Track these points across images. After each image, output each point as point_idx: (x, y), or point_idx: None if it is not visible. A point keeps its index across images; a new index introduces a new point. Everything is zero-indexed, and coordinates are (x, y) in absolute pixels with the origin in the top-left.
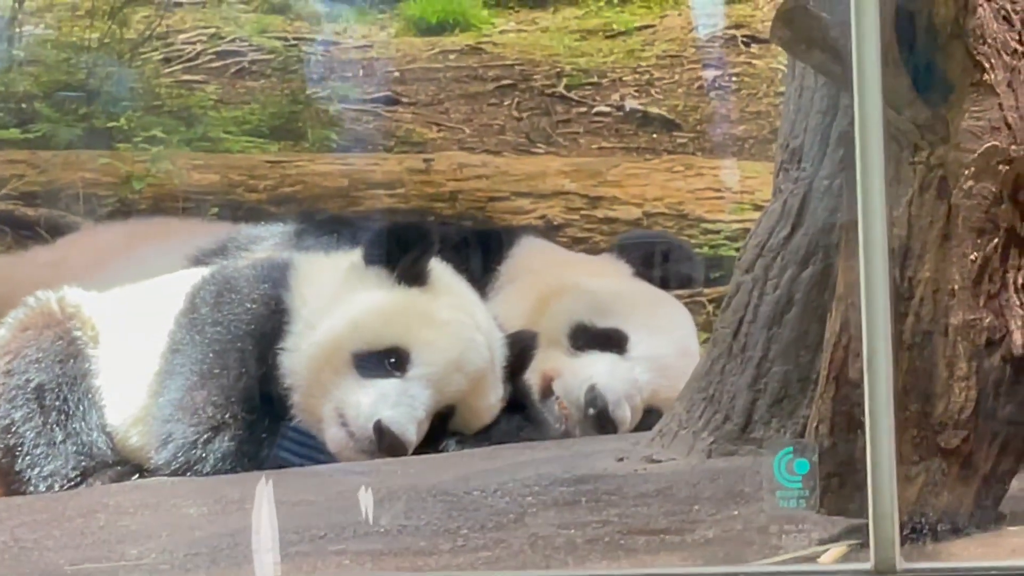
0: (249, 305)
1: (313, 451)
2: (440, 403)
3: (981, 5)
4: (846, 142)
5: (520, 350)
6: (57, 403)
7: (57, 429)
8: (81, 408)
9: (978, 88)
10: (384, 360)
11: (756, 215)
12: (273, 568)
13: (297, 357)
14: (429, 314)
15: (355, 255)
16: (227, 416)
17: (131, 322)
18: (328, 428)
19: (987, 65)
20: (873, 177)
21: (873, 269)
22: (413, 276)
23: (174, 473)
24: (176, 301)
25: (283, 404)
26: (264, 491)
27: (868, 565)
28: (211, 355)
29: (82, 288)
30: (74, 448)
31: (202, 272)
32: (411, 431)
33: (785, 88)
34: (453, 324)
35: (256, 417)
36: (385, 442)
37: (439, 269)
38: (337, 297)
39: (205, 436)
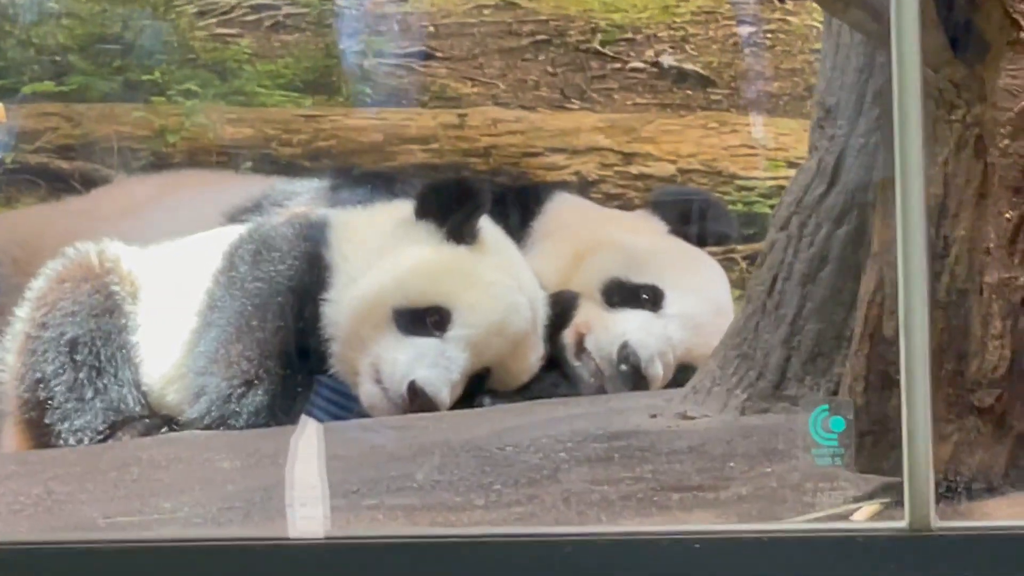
0: (289, 261)
1: (345, 407)
2: (477, 365)
3: None
4: (882, 100)
5: (561, 310)
6: (89, 358)
7: (87, 385)
8: (114, 364)
9: (1015, 47)
10: (425, 318)
11: (790, 172)
12: (308, 522)
13: (338, 309)
14: (474, 274)
15: (403, 209)
16: (261, 370)
17: (170, 278)
18: (363, 383)
19: None
20: (911, 135)
21: (910, 227)
22: (463, 234)
23: (207, 427)
24: (214, 258)
25: (322, 357)
26: (297, 446)
27: (903, 524)
28: (248, 310)
29: (119, 239)
30: (102, 404)
31: (239, 229)
32: (444, 393)
33: (821, 45)
34: (497, 286)
35: (292, 372)
36: (417, 402)
37: (488, 228)
38: (382, 250)
39: (239, 390)
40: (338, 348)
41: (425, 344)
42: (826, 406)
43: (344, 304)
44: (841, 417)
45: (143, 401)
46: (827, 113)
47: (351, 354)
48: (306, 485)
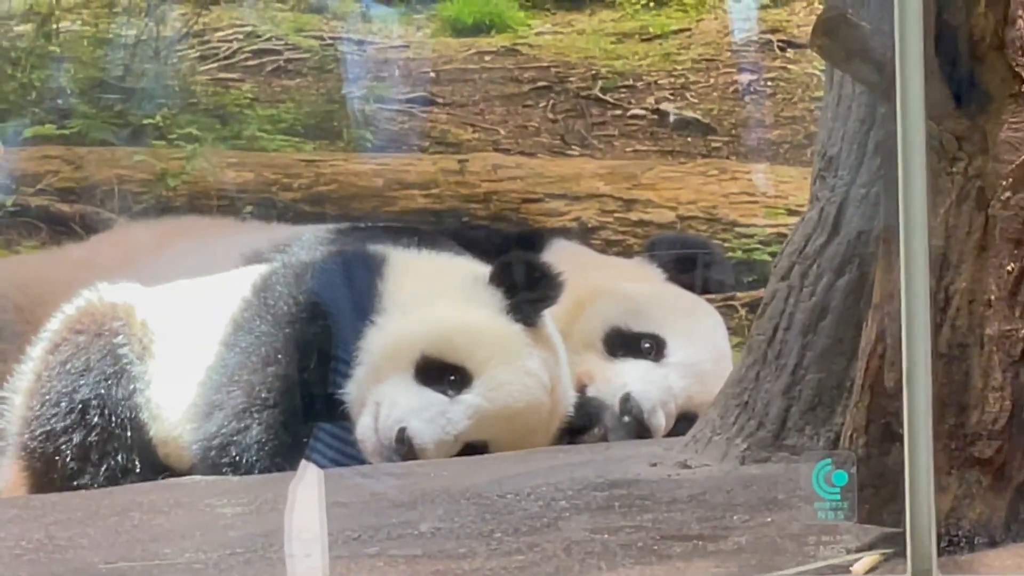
0: (336, 290)
1: (345, 453)
2: (475, 437)
3: (1021, 17)
4: (883, 151)
5: (584, 416)
6: (100, 421)
7: (95, 448)
8: (123, 428)
9: (1017, 100)
10: (447, 374)
11: (790, 220)
12: (309, 570)
13: (379, 335)
14: (515, 355)
15: (477, 268)
16: (277, 394)
17: (189, 323)
18: (364, 416)
19: None
20: (915, 188)
21: (914, 280)
22: (525, 316)
23: (219, 447)
24: (237, 292)
25: (345, 378)
26: (296, 492)
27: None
28: (280, 334)
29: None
30: (107, 469)
31: (272, 263)
32: (430, 448)
33: (823, 96)
34: (530, 377)
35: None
36: (402, 449)
37: (549, 322)
38: (440, 297)
39: (255, 408)
40: (361, 373)
41: (432, 397)
42: (829, 460)
43: (385, 331)
44: (844, 471)
45: (151, 460)
46: (828, 164)
47: (367, 383)
48: (306, 532)
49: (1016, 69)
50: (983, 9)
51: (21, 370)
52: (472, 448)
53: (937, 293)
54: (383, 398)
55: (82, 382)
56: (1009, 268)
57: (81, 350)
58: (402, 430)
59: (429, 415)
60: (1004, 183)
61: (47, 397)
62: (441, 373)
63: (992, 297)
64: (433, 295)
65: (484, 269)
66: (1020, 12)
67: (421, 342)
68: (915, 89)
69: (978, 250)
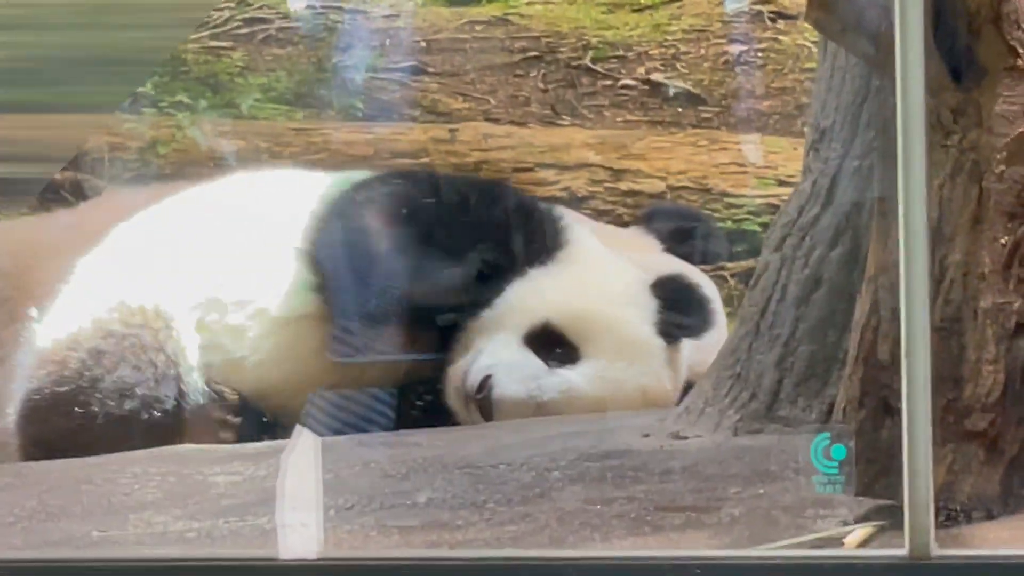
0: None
1: (342, 422)
2: (552, 412)
3: None
4: (877, 123)
5: None
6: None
7: None
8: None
9: (1011, 73)
10: (555, 347)
11: (780, 190)
12: (300, 541)
13: (520, 287)
14: (635, 365)
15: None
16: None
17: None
18: (463, 357)
19: (1021, 50)
20: (914, 163)
21: (912, 253)
22: (667, 335)
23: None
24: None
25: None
26: (288, 460)
27: (903, 551)
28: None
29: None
30: None
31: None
32: (506, 404)
33: (816, 68)
34: (632, 391)
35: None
36: (479, 396)
37: (686, 349)
38: (600, 281)
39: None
40: (486, 316)
41: (531, 361)
42: (827, 434)
43: (527, 286)
44: (842, 445)
45: None
46: (822, 136)
47: (486, 327)
48: (300, 501)
49: (1011, 42)
50: None
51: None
52: None
53: (931, 266)
54: (487, 346)
55: (127, 397)
56: (1003, 241)
57: (122, 367)
58: (487, 378)
59: (520, 375)
60: (998, 156)
61: (87, 396)
62: (552, 344)
63: (986, 270)
64: (596, 277)
65: (650, 274)
66: None
67: (552, 310)
68: (915, 63)
69: (972, 223)
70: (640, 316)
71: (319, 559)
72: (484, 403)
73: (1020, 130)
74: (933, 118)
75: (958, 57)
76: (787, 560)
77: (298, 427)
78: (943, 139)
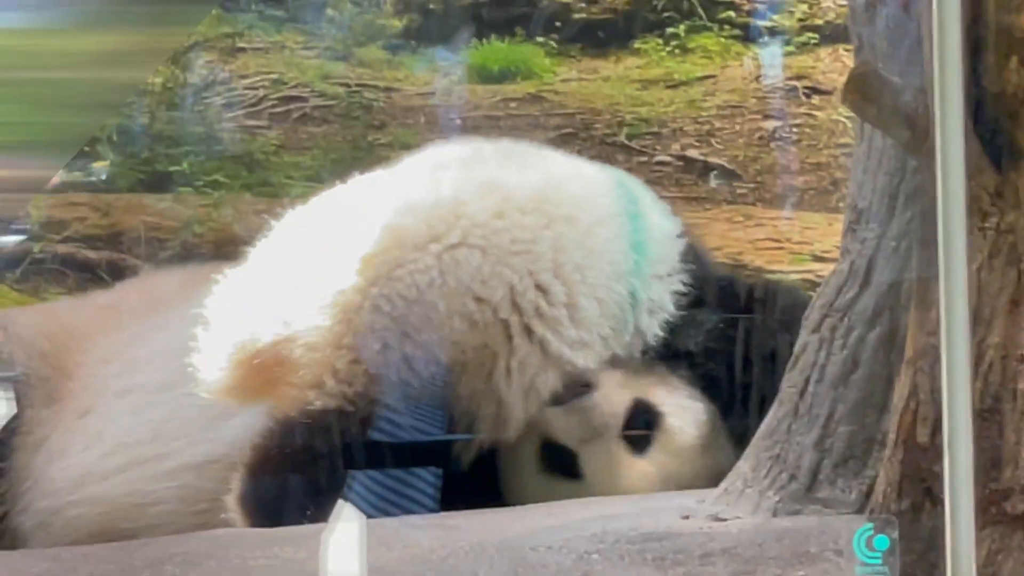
0: None
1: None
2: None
3: None
4: (914, 204)
5: None
6: None
7: None
8: None
9: None
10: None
11: (815, 266)
12: None
13: None
14: None
15: None
16: None
17: None
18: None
19: None
20: (955, 245)
21: (954, 338)
22: None
23: None
24: None
25: None
26: (330, 541)
27: None
28: None
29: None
30: None
31: None
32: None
33: (853, 148)
34: None
35: None
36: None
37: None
38: None
39: None
40: None
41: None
42: (871, 524)
43: None
44: (886, 536)
45: None
46: (859, 216)
47: None
48: None
49: None
50: (1015, 65)
51: None
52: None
53: (970, 349)
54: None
55: None
56: None
57: None
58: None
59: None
60: None
61: None
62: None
63: None
64: None
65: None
66: None
67: None
68: (955, 146)
69: (1010, 305)
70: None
71: None
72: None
73: None
74: (970, 201)
75: (995, 140)
76: None
77: (339, 503)
78: (981, 221)
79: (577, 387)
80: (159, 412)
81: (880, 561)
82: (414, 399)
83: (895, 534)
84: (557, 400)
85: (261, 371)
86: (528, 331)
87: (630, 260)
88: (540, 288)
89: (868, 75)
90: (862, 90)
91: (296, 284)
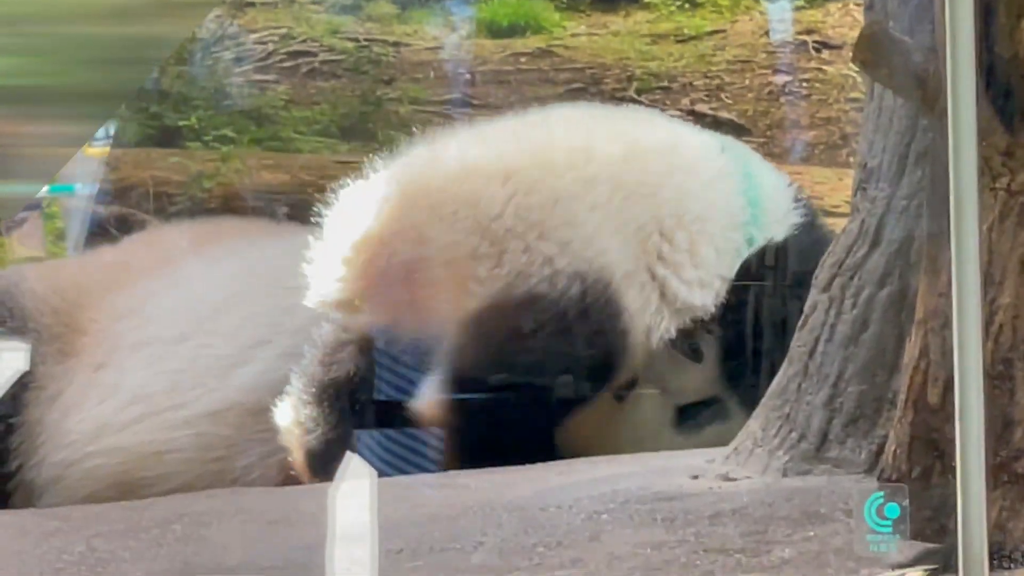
0: None
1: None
2: None
3: None
4: (925, 163)
5: None
6: None
7: None
8: None
9: None
10: None
11: (824, 221)
12: None
13: None
14: None
15: None
16: None
17: None
18: None
19: None
20: (967, 206)
21: (965, 298)
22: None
23: None
24: None
25: None
26: (335, 503)
27: None
28: None
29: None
30: None
31: None
32: None
33: (864, 107)
34: None
35: None
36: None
37: None
38: None
39: None
40: None
41: None
42: (881, 493)
43: None
44: (896, 504)
45: None
46: (869, 175)
47: None
48: (352, 545)
49: None
50: None
51: None
52: None
53: (981, 309)
54: None
55: None
56: None
57: None
58: None
59: None
60: None
61: None
62: None
63: None
64: None
65: None
66: None
67: None
68: (967, 107)
69: (1021, 266)
70: None
71: None
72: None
73: None
74: (981, 161)
75: (1007, 101)
76: None
77: (347, 457)
78: (991, 182)
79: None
80: (175, 363)
81: (891, 529)
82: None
83: (906, 502)
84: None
85: (387, 286)
86: (651, 271)
87: (747, 212)
88: (663, 233)
89: (879, 35)
90: (873, 50)
91: (421, 201)
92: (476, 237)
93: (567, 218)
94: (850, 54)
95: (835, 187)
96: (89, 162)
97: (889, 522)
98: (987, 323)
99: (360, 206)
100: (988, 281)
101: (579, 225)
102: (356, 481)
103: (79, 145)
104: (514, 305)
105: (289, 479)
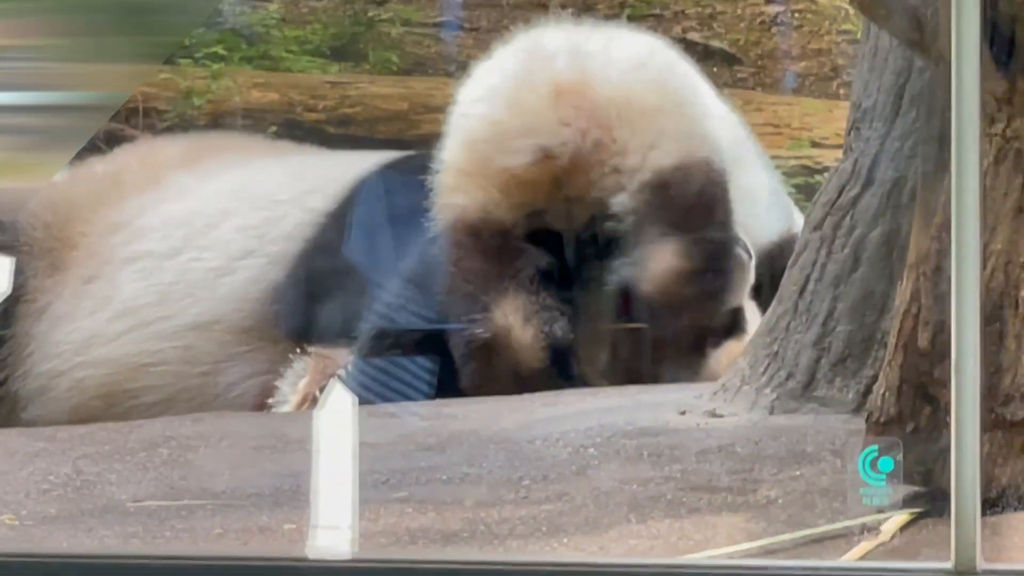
0: None
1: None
2: None
3: None
4: (919, 103)
5: None
6: None
7: None
8: None
9: None
10: None
11: (814, 151)
12: (337, 515)
13: None
14: None
15: None
16: None
17: None
18: None
19: None
20: (968, 152)
21: (964, 243)
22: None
23: None
24: None
25: None
26: (322, 430)
27: (948, 565)
28: None
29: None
30: None
31: None
32: None
33: (859, 47)
34: None
35: None
36: None
37: None
38: None
39: None
40: None
41: None
42: (875, 447)
43: None
44: (890, 458)
45: None
46: (863, 115)
47: None
48: (334, 472)
49: None
50: None
51: None
52: None
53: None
54: None
55: None
56: None
57: None
58: None
59: None
60: None
61: None
62: None
63: None
64: None
65: None
66: None
67: None
68: (970, 51)
69: (1015, 212)
70: None
71: (352, 560)
72: None
73: None
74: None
75: (1005, 45)
76: (830, 571)
77: (332, 381)
78: (987, 127)
79: None
80: (167, 276)
81: (884, 483)
82: None
83: (899, 456)
84: None
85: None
86: None
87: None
88: None
89: None
90: None
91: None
92: None
93: None
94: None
95: (825, 119)
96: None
97: (883, 475)
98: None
99: None
100: (981, 227)
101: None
102: (339, 408)
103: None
104: None
105: (264, 405)
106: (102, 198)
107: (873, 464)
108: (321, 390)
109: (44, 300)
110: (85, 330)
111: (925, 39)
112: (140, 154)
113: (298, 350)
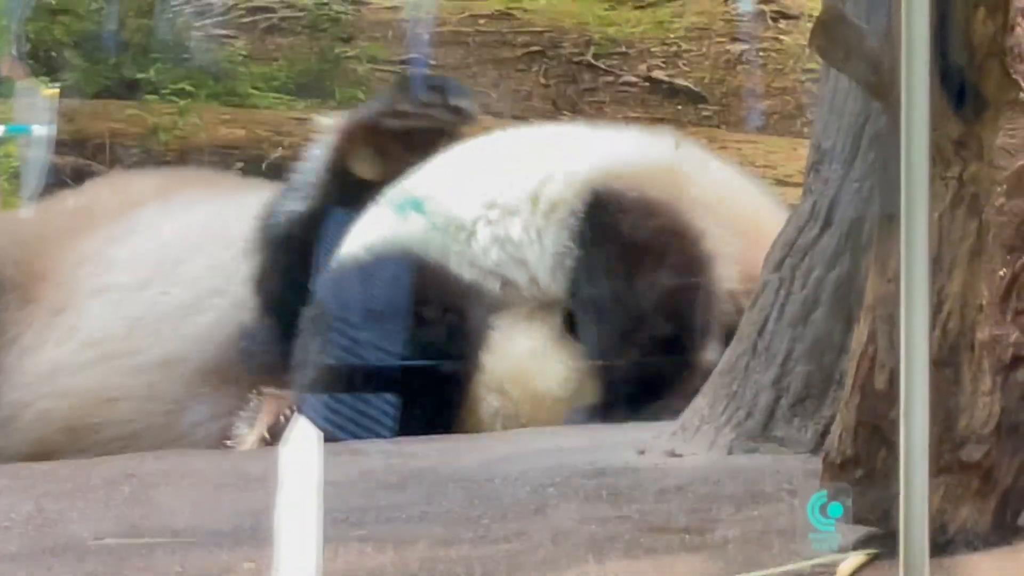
0: None
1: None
2: None
3: (1019, 24)
4: (878, 145)
5: None
6: None
7: None
8: None
9: (1013, 106)
10: None
11: (778, 189)
12: (296, 551)
13: None
14: None
15: None
16: None
17: None
18: None
19: (1023, 84)
20: (917, 195)
21: (913, 287)
22: None
23: None
24: None
25: None
26: (286, 468)
27: None
28: None
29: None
30: None
31: None
32: None
33: (819, 88)
34: None
35: None
36: None
37: None
38: None
39: None
40: None
41: None
42: (824, 492)
43: None
44: (839, 504)
45: None
46: (823, 156)
47: None
48: (297, 510)
49: (1013, 76)
50: (982, 16)
51: None
52: None
53: (929, 297)
54: None
55: None
56: (1001, 273)
57: None
58: None
59: None
60: (999, 189)
61: None
62: None
63: (984, 302)
64: None
65: None
66: (1019, 20)
67: None
68: (920, 94)
69: (971, 255)
70: None
71: None
72: None
73: (1021, 163)
74: (934, 150)
75: (960, 89)
76: None
77: (296, 416)
78: (944, 171)
79: None
80: (134, 309)
81: (834, 528)
82: None
83: (849, 501)
84: None
85: None
86: None
87: None
88: None
89: (835, 20)
90: (829, 36)
91: None
92: None
93: None
94: (807, 24)
95: (789, 156)
96: (45, 104)
97: (832, 521)
98: (935, 311)
99: None
100: (937, 270)
101: None
102: (303, 446)
103: None
104: None
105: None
106: (73, 230)
107: (823, 510)
108: (270, 431)
109: (14, 331)
110: (51, 361)
111: (883, 83)
112: (112, 185)
113: (255, 391)
